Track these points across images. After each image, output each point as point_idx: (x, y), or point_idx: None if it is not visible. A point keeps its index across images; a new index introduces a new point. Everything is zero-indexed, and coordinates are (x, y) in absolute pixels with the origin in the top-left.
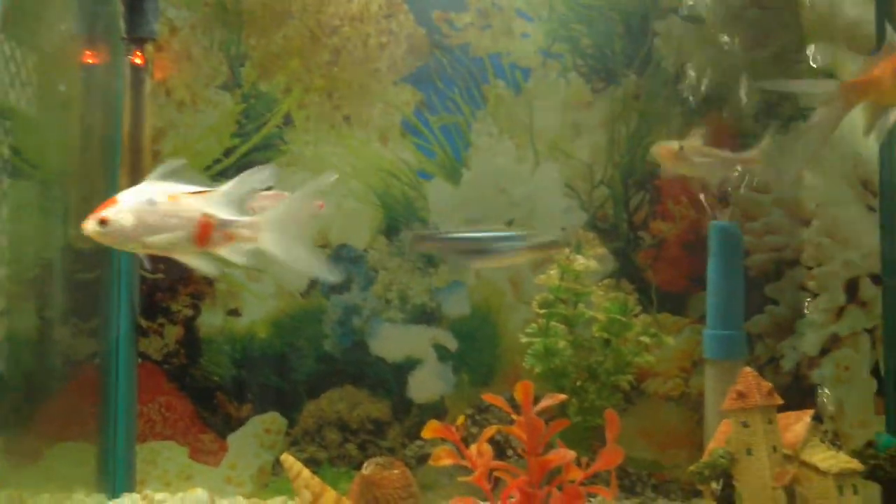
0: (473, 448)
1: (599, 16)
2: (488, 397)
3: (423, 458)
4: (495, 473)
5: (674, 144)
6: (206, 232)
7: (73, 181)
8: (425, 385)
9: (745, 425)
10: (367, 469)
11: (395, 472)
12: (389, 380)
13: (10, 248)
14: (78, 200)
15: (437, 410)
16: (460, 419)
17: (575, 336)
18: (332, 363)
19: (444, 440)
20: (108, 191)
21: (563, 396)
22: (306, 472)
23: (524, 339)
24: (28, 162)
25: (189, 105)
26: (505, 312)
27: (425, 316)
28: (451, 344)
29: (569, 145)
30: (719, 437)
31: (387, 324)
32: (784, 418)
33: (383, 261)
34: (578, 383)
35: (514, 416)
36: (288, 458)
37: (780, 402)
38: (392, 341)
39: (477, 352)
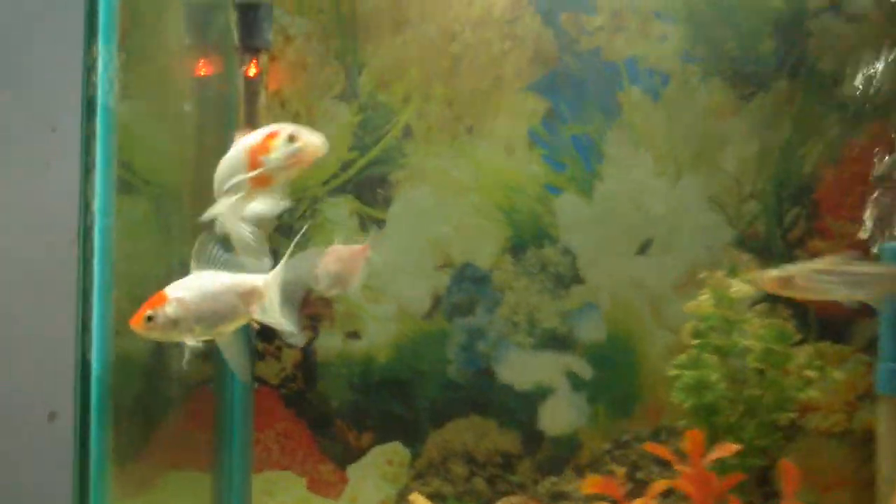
0: None
1: (745, 15)
2: (651, 447)
3: (556, 496)
4: None
5: (780, 272)
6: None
7: (187, 197)
8: (558, 416)
9: None
10: None
11: None
12: (518, 410)
13: (123, 265)
14: (192, 216)
15: (571, 444)
16: (621, 471)
17: (728, 368)
18: (456, 390)
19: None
20: None
21: (735, 447)
22: None
23: (672, 372)
24: (140, 177)
25: (304, 116)
26: (645, 339)
27: (556, 341)
28: (586, 372)
29: (713, 156)
30: None
31: (514, 349)
32: None
33: (510, 281)
34: (732, 420)
35: (678, 468)
36: (418, 499)
37: None
38: (521, 368)
39: (614, 381)
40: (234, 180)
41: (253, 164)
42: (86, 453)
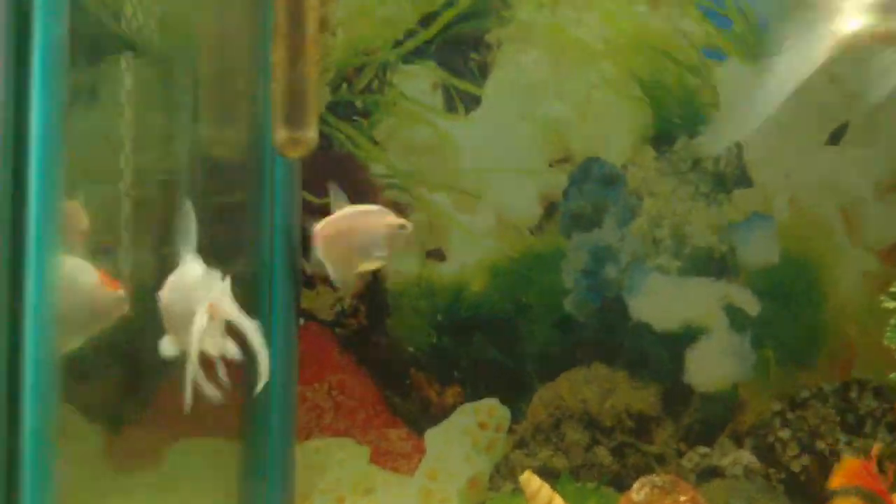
0: None
1: None
2: None
3: (706, 473)
4: None
5: None
6: None
7: (206, 60)
8: (711, 365)
9: None
10: (641, 493)
11: (683, 498)
12: (659, 357)
13: (116, 155)
14: (212, 86)
15: (729, 403)
16: (876, 447)
17: None
18: (574, 331)
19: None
20: (252, 72)
21: None
22: (559, 502)
23: (888, 304)
24: (141, 34)
25: None
26: (833, 259)
27: (713, 264)
28: (752, 306)
29: None
30: None
31: (655, 275)
32: None
33: (650, 183)
34: None
35: None
36: (532, 480)
37: None
38: (663, 301)
39: (790, 319)
40: None
41: None
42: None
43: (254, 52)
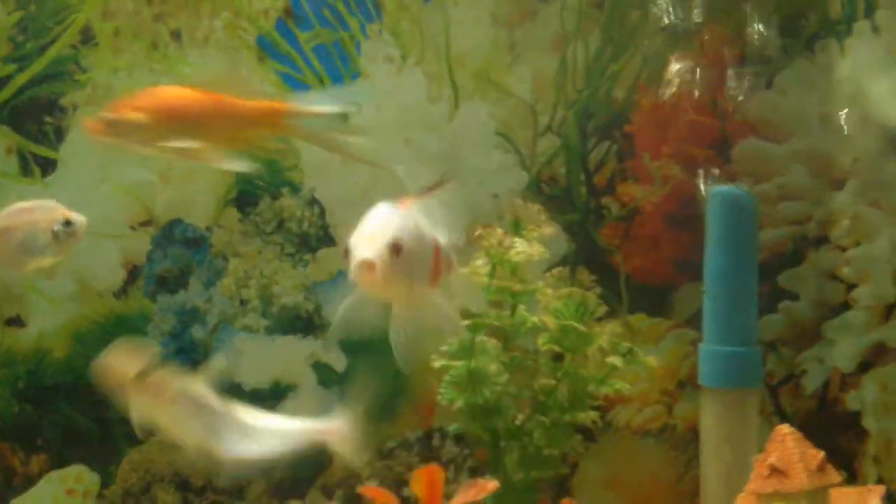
0: None
1: None
2: (369, 491)
3: None
4: None
5: None
6: None
7: None
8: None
9: None
10: None
11: None
12: None
13: None
14: None
15: (319, 457)
16: None
17: (512, 354)
18: None
19: None
20: None
21: (492, 485)
22: None
23: (439, 363)
24: None
25: None
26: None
27: (299, 322)
28: (338, 362)
29: (503, 75)
30: None
31: (242, 335)
32: (840, 497)
33: (235, 244)
34: (518, 422)
35: None
36: None
37: (836, 479)
38: (251, 360)
39: (374, 372)
40: None
41: None
42: None
43: None
